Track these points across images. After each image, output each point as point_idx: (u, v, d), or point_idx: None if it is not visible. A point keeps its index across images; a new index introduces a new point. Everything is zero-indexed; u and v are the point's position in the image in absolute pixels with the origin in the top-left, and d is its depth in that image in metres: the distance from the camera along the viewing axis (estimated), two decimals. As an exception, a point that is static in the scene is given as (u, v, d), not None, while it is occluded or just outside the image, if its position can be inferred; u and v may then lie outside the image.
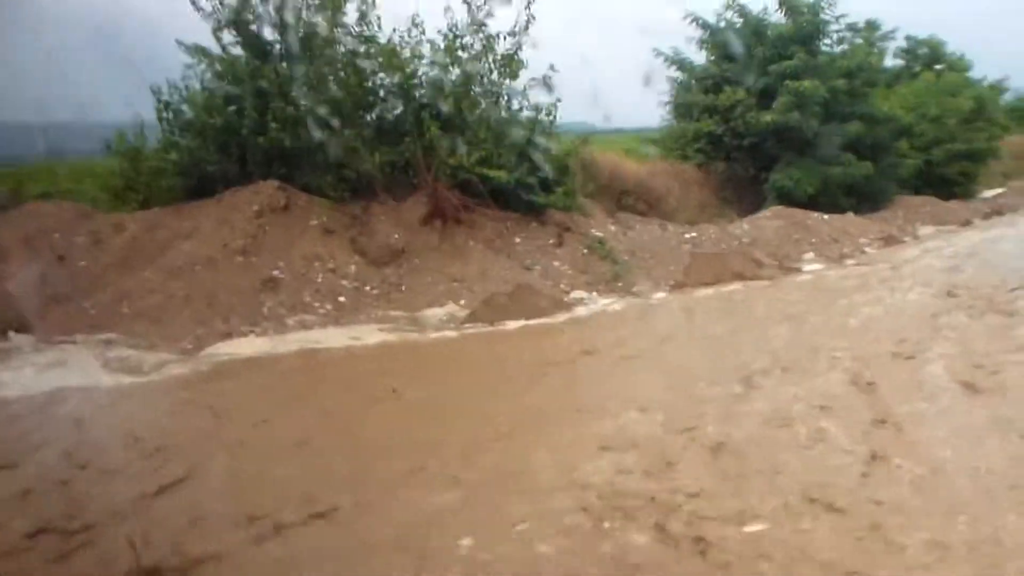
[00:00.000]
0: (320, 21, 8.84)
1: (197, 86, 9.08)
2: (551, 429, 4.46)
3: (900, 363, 5.35)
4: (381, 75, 9.30)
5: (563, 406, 4.87)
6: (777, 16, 13.64)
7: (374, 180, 9.07)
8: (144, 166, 9.02)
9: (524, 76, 9.53)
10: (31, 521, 3.34)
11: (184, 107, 9.09)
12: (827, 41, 13.83)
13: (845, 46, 14.15)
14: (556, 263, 9.06)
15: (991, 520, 3.11)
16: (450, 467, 3.84)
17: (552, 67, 9.37)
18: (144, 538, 3.16)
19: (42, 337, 6.52)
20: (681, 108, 14.54)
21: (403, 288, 8.12)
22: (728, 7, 13.70)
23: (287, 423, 4.66)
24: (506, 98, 9.82)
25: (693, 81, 14.26)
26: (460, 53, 9.28)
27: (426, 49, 9.34)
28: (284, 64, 8.83)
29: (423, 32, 9.36)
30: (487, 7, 9.24)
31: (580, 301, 8.10)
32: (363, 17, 9.13)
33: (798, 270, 9.58)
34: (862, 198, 13.25)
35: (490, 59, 9.43)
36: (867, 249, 10.92)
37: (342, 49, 9.10)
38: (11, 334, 6.51)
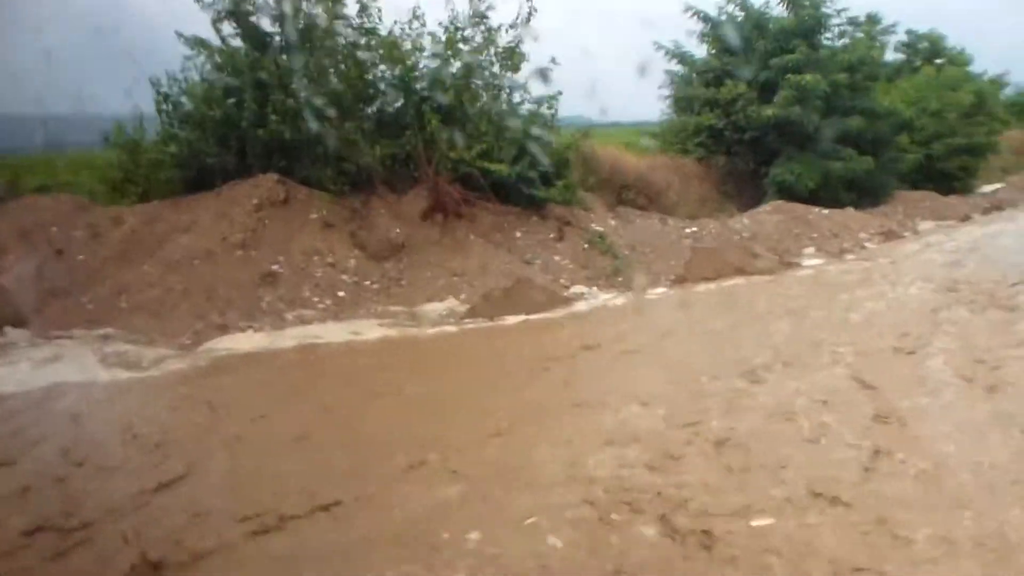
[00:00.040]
0: (320, 12, 8.77)
1: (196, 78, 9.00)
2: (552, 424, 4.44)
3: (902, 358, 5.36)
4: (382, 67, 9.23)
5: (564, 401, 4.85)
6: (779, 9, 13.61)
7: (374, 173, 9.01)
8: (143, 158, 8.95)
9: (525, 69, 9.51)
10: (29, 519, 3.32)
11: (183, 99, 9.01)
12: (828, 35, 13.77)
13: (846, 40, 14.07)
14: (556, 257, 9.03)
15: (995, 515, 3.12)
16: (451, 462, 3.83)
17: (553, 60, 9.31)
18: (144, 534, 3.14)
19: (39, 332, 6.48)
20: (682, 102, 14.50)
21: (403, 283, 8.08)
22: (729, 0, 13.66)
23: (286, 418, 4.64)
24: (507, 91, 9.77)
25: (694, 75, 14.22)
26: (461, 45, 9.23)
27: (427, 41, 9.28)
28: (284, 56, 8.75)
29: (424, 24, 9.31)
30: (488, -1, 9.20)
31: (580, 296, 8.08)
32: (364, 9, 9.05)
33: (798, 265, 9.57)
34: (862, 193, 13.21)
35: (491, 52, 9.37)
36: (867, 244, 10.92)
37: (342, 41, 9.03)
38: (7, 329, 6.46)
